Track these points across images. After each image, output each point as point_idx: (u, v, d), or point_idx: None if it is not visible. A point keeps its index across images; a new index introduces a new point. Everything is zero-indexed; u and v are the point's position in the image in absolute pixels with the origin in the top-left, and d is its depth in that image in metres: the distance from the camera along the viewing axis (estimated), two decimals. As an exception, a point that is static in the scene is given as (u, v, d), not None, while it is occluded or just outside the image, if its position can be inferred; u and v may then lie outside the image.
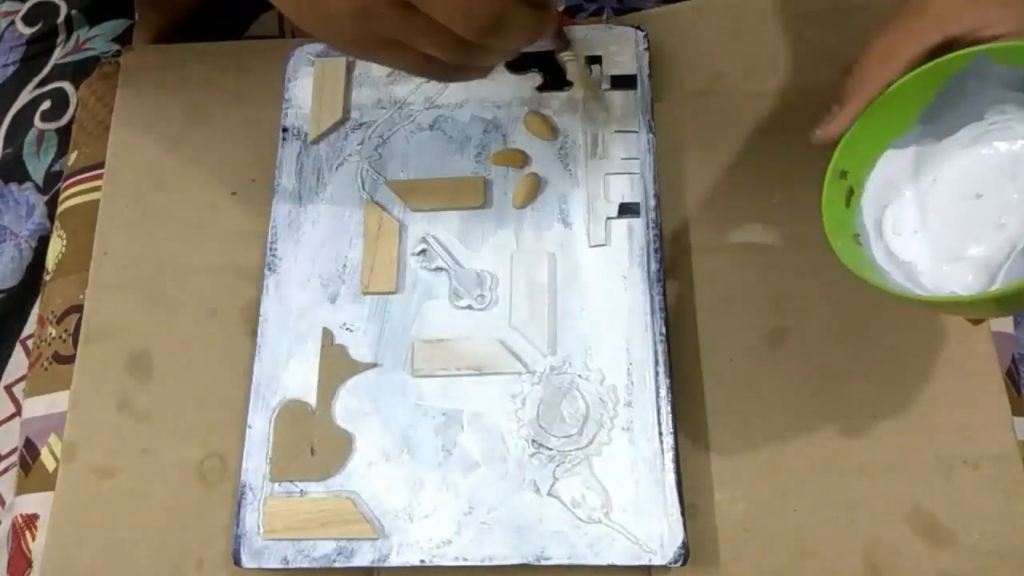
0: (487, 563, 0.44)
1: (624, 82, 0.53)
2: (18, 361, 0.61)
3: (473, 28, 0.34)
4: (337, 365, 0.49)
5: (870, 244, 0.39)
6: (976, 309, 0.38)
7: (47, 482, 0.51)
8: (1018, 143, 0.39)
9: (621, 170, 0.51)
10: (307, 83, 0.55)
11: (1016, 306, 0.36)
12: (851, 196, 0.39)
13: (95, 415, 0.51)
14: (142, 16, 0.66)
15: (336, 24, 0.35)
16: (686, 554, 0.43)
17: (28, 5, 0.72)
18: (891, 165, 0.40)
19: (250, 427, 0.48)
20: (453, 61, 0.36)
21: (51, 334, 0.55)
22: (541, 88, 0.54)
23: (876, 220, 0.40)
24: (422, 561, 0.45)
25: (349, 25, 0.35)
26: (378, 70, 0.55)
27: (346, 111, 0.55)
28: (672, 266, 0.51)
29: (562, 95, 0.53)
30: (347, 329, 0.50)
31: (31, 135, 0.66)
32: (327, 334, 0.50)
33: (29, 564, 0.50)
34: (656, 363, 0.47)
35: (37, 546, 0.50)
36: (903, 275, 0.39)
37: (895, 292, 0.36)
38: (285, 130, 0.55)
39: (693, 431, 0.47)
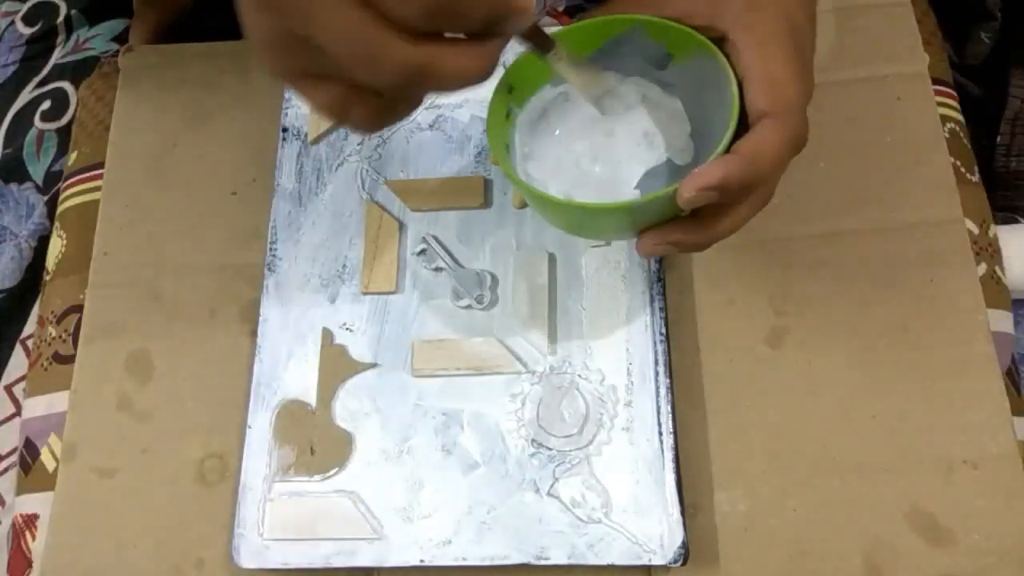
0: (487, 563, 0.44)
1: (624, 82, 0.53)
2: (18, 361, 0.61)
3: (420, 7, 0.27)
4: (337, 365, 0.49)
5: (515, 159, 0.42)
6: (605, 217, 0.39)
7: (47, 482, 0.51)
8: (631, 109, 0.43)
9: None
10: (307, 83, 0.55)
11: (639, 218, 0.38)
12: (510, 114, 0.42)
13: (95, 415, 0.51)
14: (139, 14, 0.65)
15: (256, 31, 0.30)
16: (686, 554, 0.43)
17: (28, 5, 0.72)
18: (544, 97, 0.43)
19: (250, 427, 0.48)
20: (391, 77, 0.28)
21: (51, 334, 0.55)
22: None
23: (523, 141, 0.43)
24: (422, 561, 0.45)
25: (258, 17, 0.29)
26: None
27: (346, 111, 0.54)
28: (672, 266, 0.51)
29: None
30: (347, 329, 0.50)
31: (31, 135, 0.66)
32: (327, 334, 0.50)
33: (29, 564, 0.50)
34: (656, 363, 0.47)
35: (37, 546, 0.50)
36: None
37: (538, 193, 0.38)
38: (285, 130, 0.55)
39: (693, 431, 0.47)
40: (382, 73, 0.28)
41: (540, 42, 0.38)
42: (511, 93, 0.42)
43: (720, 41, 0.38)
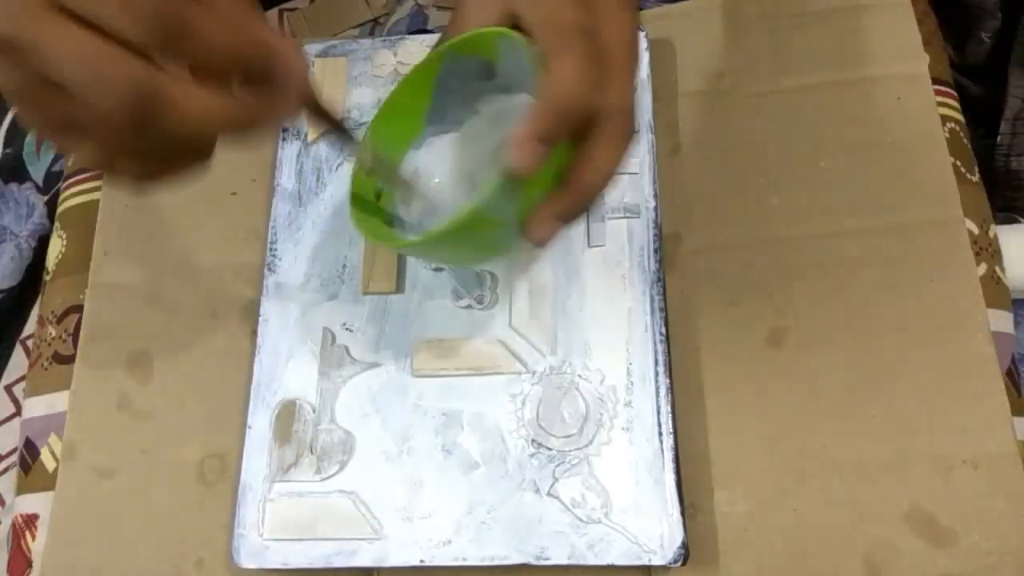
0: (487, 563, 0.44)
1: (624, 82, 0.53)
2: (18, 361, 0.61)
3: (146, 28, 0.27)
4: (337, 365, 0.49)
5: (406, 225, 0.43)
6: (474, 234, 0.38)
7: (47, 482, 0.51)
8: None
9: (621, 170, 0.51)
10: (307, 83, 0.55)
11: (502, 214, 0.36)
12: (380, 194, 0.43)
13: (95, 415, 0.51)
14: None
15: None
16: (686, 554, 0.43)
17: (28, 5, 0.71)
18: (411, 163, 0.43)
19: (250, 427, 0.48)
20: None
21: (51, 334, 0.55)
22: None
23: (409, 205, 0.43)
24: (422, 561, 0.45)
25: None
26: (380, 69, 0.55)
27: (346, 111, 0.55)
28: (672, 266, 0.51)
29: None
30: (347, 329, 0.50)
31: (31, 135, 0.65)
32: (327, 334, 0.50)
33: (29, 564, 0.50)
34: (656, 363, 0.47)
35: (37, 546, 0.50)
36: None
37: (402, 242, 0.41)
38: (285, 130, 0.55)
39: (693, 431, 0.47)
40: (112, 92, 0.27)
41: (336, 131, 0.36)
42: (373, 175, 0.42)
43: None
